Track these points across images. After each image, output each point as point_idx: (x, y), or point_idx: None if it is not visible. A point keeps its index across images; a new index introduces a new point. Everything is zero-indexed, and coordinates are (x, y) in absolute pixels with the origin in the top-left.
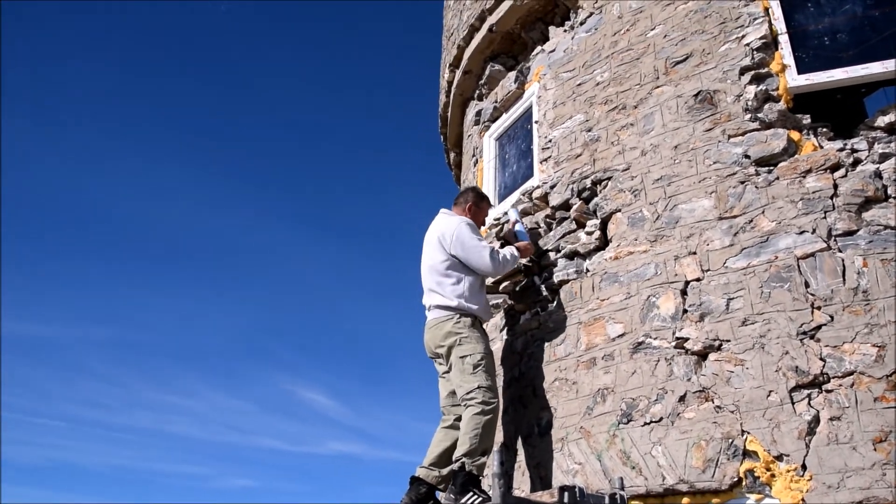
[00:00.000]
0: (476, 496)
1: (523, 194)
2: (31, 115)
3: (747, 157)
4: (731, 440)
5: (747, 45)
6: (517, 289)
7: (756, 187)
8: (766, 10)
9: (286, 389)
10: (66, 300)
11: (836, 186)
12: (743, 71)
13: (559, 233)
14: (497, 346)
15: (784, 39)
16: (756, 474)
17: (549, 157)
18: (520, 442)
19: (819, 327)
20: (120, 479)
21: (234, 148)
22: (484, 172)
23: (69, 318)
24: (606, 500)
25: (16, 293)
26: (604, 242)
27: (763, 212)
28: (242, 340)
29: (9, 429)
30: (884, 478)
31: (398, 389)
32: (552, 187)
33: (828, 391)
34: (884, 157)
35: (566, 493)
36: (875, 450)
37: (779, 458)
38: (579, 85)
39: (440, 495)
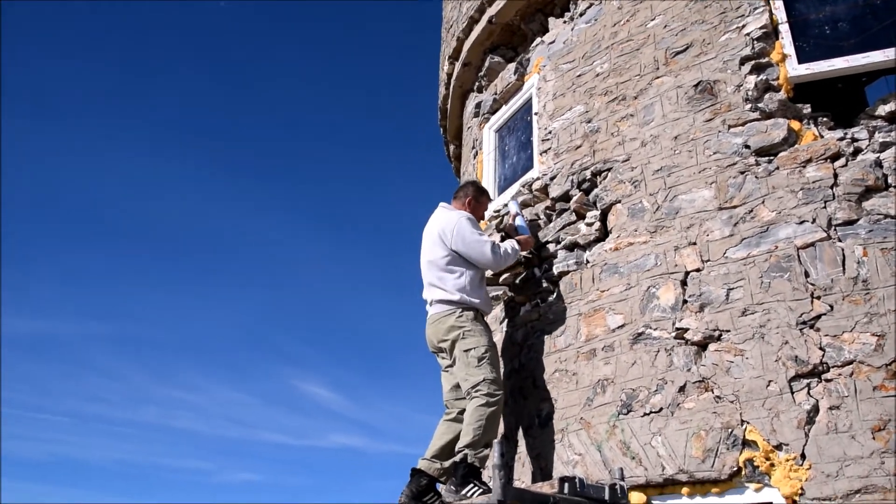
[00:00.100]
0: (476, 487)
1: (523, 186)
2: (31, 110)
3: (747, 147)
4: (730, 430)
5: (748, 34)
6: (517, 280)
7: (756, 177)
8: None
9: (288, 383)
10: (68, 295)
11: (836, 176)
12: (743, 61)
13: (559, 224)
14: (497, 338)
15: (784, 29)
16: (755, 464)
17: (549, 148)
18: (520, 433)
19: (819, 317)
20: (123, 473)
21: (236, 142)
22: (484, 164)
23: (71, 314)
24: (606, 490)
25: (17, 288)
26: (604, 233)
27: (763, 202)
28: (245, 334)
29: (10, 424)
30: (882, 466)
31: (400, 382)
32: (552, 179)
33: (827, 380)
34: (884, 147)
35: (566, 484)
36: (874, 438)
37: (778, 447)
38: (579, 76)
39: (441, 487)
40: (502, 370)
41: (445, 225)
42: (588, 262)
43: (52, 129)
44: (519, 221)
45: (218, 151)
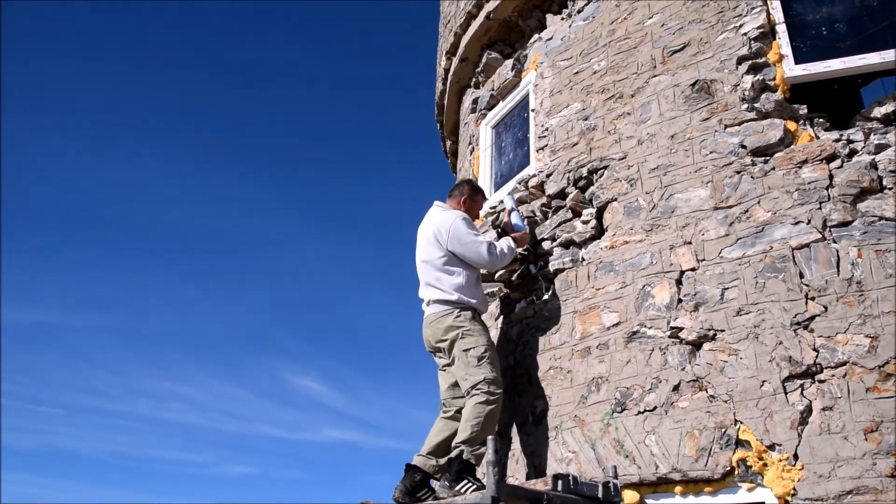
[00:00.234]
0: (471, 484)
1: (519, 183)
2: (32, 106)
3: (744, 146)
4: (724, 429)
5: (745, 34)
6: (513, 277)
7: (752, 177)
8: None
9: (282, 377)
10: (67, 287)
11: (831, 177)
12: (740, 60)
13: (555, 221)
14: (493, 334)
15: (782, 29)
16: (748, 463)
17: (546, 145)
18: (514, 430)
19: (813, 318)
20: (118, 465)
21: (234, 138)
22: (480, 161)
23: (69, 305)
24: (600, 488)
25: (16, 280)
26: (599, 231)
27: (759, 202)
28: (239, 328)
29: (9, 416)
30: (874, 467)
31: (394, 377)
32: (548, 176)
33: (821, 381)
34: (880, 148)
35: (560, 482)
36: (866, 440)
37: (771, 447)
38: (576, 73)
39: (435, 483)
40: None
41: (441, 225)
42: (584, 259)
43: (53, 125)
44: (514, 217)
45: (218, 145)
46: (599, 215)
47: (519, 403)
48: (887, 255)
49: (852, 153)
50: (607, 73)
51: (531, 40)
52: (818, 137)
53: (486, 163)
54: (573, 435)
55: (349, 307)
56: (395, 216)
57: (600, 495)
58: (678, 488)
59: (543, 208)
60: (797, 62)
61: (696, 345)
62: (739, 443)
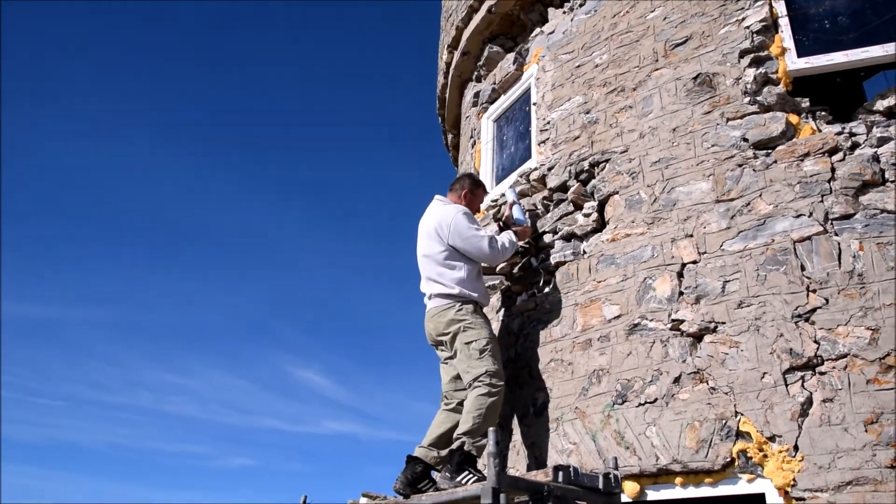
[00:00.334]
0: (471, 475)
1: (521, 176)
2: (33, 99)
3: (745, 140)
4: (724, 421)
5: (747, 27)
6: (514, 270)
7: (754, 170)
8: None
9: (283, 369)
10: (68, 281)
11: (833, 170)
12: (743, 54)
13: (556, 214)
14: (494, 327)
15: (784, 22)
16: (749, 455)
17: (547, 138)
18: (515, 422)
19: (814, 310)
20: (119, 458)
21: (235, 132)
22: (482, 154)
23: (71, 299)
24: (600, 479)
25: (17, 274)
26: (601, 224)
27: (760, 195)
28: (241, 321)
29: (11, 408)
30: (874, 458)
31: (394, 369)
32: (550, 169)
33: (821, 373)
34: (882, 141)
35: (561, 473)
36: (866, 431)
37: (771, 438)
38: (578, 67)
39: (436, 475)
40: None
41: (442, 220)
42: (585, 252)
43: (55, 119)
44: (516, 210)
45: (219, 140)
46: (601, 208)
47: (520, 395)
48: (889, 247)
49: (854, 146)
50: (609, 67)
51: (533, 34)
52: (820, 130)
53: (488, 156)
54: (574, 426)
55: (351, 300)
56: (397, 209)
57: (601, 486)
58: (678, 479)
59: (545, 201)
60: (800, 55)
61: (697, 337)
62: (740, 434)
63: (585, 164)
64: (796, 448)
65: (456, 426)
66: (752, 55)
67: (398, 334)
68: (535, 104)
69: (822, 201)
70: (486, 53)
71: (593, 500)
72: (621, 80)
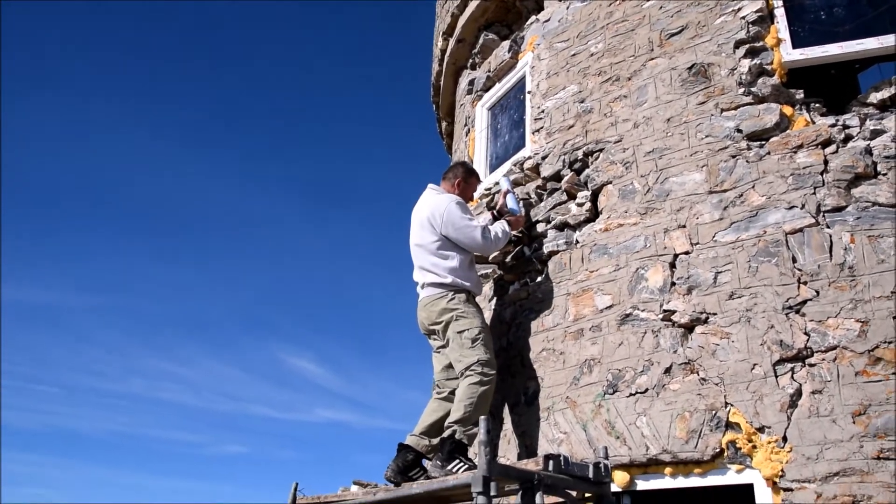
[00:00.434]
0: (462, 463)
1: (515, 165)
2: (33, 89)
3: (739, 131)
4: (714, 412)
5: (743, 18)
6: (507, 259)
7: (747, 162)
8: None
9: (276, 357)
10: (66, 268)
11: (826, 162)
12: (738, 44)
13: (550, 204)
14: (486, 316)
15: (780, 13)
16: (738, 445)
17: (542, 127)
18: (506, 411)
19: (805, 302)
20: (116, 444)
21: (231, 121)
22: (476, 142)
23: (68, 286)
24: (591, 468)
25: (17, 260)
26: (594, 214)
27: (753, 186)
28: (236, 309)
29: (9, 395)
30: (861, 449)
31: (387, 358)
32: (544, 158)
33: (811, 365)
34: (875, 134)
35: (551, 462)
36: (854, 423)
37: (760, 429)
38: (573, 55)
39: (427, 463)
40: None
41: (435, 209)
42: (578, 242)
43: (54, 109)
44: (510, 199)
45: (218, 129)
46: (594, 198)
47: (511, 384)
48: (880, 240)
49: (847, 138)
50: (604, 56)
51: (528, 22)
52: (814, 122)
53: (482, 144)
54: (565, 416)
55: (345, 289)
56: (391, 198)
57: (591, 476)
58: (668, 469)
59: (538, 190)
60: (795, 46)
61: (689, 328)
62: (729, 425)
63: (579, 154)
64: (785, 439)
65: (447, 415)
66: (747, 46)
67: (391, 323)
68: (529, 92)
69: (814, 193)
70: (481, 41)
71: (583, 489)
72: (616, 70)
